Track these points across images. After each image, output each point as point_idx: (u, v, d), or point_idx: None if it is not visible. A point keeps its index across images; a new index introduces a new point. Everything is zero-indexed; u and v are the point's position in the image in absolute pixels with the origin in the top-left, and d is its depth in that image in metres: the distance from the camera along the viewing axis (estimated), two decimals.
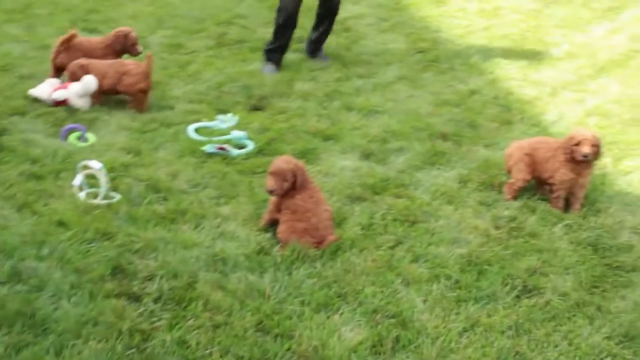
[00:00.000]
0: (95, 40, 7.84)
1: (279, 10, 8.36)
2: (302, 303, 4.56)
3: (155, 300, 4.53)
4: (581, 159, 5.57)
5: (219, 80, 7.95)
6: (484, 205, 5.73)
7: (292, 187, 5.13)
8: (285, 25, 8.34)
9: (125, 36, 7.72)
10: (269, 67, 8.33)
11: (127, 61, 7.37)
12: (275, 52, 8.42)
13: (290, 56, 8.68)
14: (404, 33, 9.57)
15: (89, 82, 7.12)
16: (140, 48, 7.79)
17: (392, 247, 5.15)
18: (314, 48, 8.71)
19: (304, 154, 6.37)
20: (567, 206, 5.72)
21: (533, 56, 8.94)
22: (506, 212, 5.62)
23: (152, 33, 9.33)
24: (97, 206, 5.46)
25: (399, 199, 5.73)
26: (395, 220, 5.45)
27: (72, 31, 7.69)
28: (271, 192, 5.14)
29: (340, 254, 5.03)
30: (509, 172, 5.91)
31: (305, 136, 6.71)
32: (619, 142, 6.76)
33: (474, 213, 5.62)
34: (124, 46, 7.71)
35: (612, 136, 6.91)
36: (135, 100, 7.15)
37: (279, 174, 5.10)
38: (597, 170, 6.14)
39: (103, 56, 7.53)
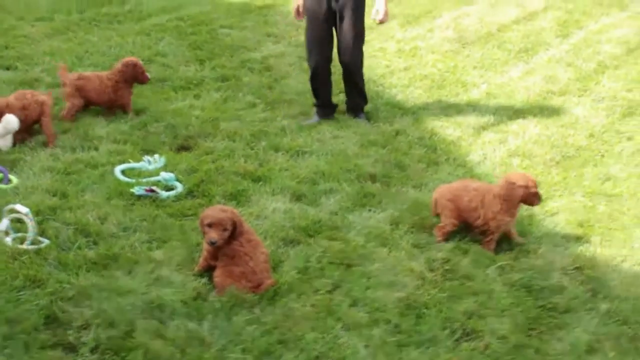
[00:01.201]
0: (103, 74, 8.00)
1: (309, 67, 8.32)
2: (244, 351, 4.53)
3: (93, 350, 4.44)
4: (534, 201, 5.78)
5: (143, 119, 7.86)
6: (417, 248, 5.80)
7: (231, 235, 5.10)
8: (313, 82, 8.29)
9: (135, 65, 7.86)
10: (314, 119, 8.26)
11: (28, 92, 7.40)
12: (319, 107, 8.34)
13: (214, 95, 8.66)
14: None
15: (10, 121, 6.95)
16: (148, 75, 8.06)
17: (330, 291, 5.15)
18: (347, 109, 8.51)
19: (235, 196, 6.35)
20: (497, 246, 5.85)
21: (454, 96, 9.12)
22: (439, 255, 5.69)
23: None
24: (25, 251, 5.31)
25: (333, 242, 5.74)
26: (331, 263, 5.46)
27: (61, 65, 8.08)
28: (213, 243, 5.09)
29: (279, 298, 5.01)
30: (438, 215, 6.01)
31: (234, 177, 6.69)
32: (543, 183, 6.93)
33: (408, 255, 5.67)
34: (134, 75, 7.88)
35: (535, 177, 7.06)
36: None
37: (218, 224, 5.06)
38: (524, 211, 6.30)
39: (115, 88, 7.87)
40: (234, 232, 5.10)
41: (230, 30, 11.30)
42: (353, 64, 8.14)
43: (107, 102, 7.93)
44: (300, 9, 8.11)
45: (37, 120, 7.25)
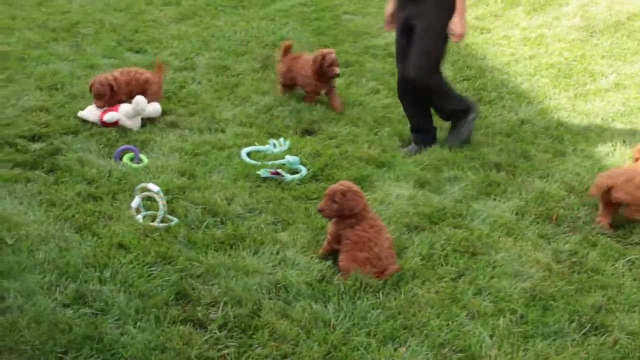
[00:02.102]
0: (306, 57, 8.16)
1: None
2: (368, 334, 4.54)
3: (221, 328, 4.52)
4: None
5: (268, 103, 7.97)
6: (543, 239, 5.69)
7: (347, 214, 5.13)
8: (399, 99, 7.46)
9: (324, 57, 7.86)
10: (410, 148, 7.25)
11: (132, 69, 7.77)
12: (412, 132, 7.37)
13: (338, 80, 8.68)
14: (450, 60, 9.54)
15: (139, 102, 7.16)
16: (336, 69, 7.89)
17: (454, 279, 5.12)
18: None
19: (359, 181, 6.34)
20: (627, 238, 5.71)
21: (581, 86, 8.90)
22: (566, 246, 5.58)
23: (198, 54, 9.38)
24: (156, 229, 5.46)
25: (457, 230, 5.70)
26: (455, 251, 5.42)
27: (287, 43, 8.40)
28: (320, 211, 5.17)
29: (403, 284, 5.00)
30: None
31: (358, 162, 6.71)
32: None
33: (534, 246, 5.58)
34: (321, 66, 7.87)
35: None
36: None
37: (329, 195, 5.13)
38: None
39: (308, 73, 7.96)
40: (353, 212, 5.12)
41: (354, 16, 11.32)
42: (417, 81, 7.01)
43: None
44: (389, 19, 7.35)
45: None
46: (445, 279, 5.09)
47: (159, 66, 7.85)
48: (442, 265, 5.26)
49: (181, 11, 11.19)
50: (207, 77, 8.61)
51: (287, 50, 8.25)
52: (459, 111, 7.26)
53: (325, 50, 7.96)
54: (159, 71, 7.80)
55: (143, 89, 7.57)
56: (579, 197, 6.32)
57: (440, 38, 6.96)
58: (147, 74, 7.64)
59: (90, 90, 7.35)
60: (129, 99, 7.34)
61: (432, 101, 7.26)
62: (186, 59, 9.18)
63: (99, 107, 7.24)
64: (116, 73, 7.52)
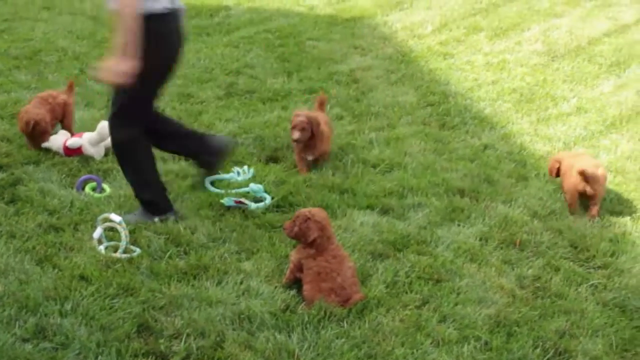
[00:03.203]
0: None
1: None
2: None
3: None
4: None
5: (232, 130, 7.95)
6: (507, 264, 5.72)
7: (301, 240, 5.17)
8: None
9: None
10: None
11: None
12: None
13: (302, 107, 8.69)
14: (413, 86, 9.61)
15: (104, 127, 7.10)
16: (295, 134, 7.01)
17: (418, 307, 5.11)
18: None
19: (323, 209, 6.33)
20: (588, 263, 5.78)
21: (543, 110, 8.98)
22: (530, 272, 5.61)
23: None
24: (118, 260, 5.41)
25: (421, 256, 5.70)
26: (419, 278, 5.43)
27: None
28: (284, 228, 5.33)
29: (367, 313, 4.99)
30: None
31: (322, 190, 6.70)
32: (636, 200, 6.77)
33: (498, 272, 5.60)
34: None
35: (629, 194, 6.93)
36: None
37: (295, 216, 5.28)
38: (617, 229, 6.17)
39: None
40: (306, 241, 5.14)
41: (318, 42, 11.35)
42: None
43: None
44: None
45: (61, 120, 7.58)
46: (410, 307, 5.09)
47: (69, 85, 7.78)
48: (406, 292, 5.26)
49: None
50: (170, 105, 8.57)
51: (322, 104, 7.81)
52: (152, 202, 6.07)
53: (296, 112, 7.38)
54: (69, 91, 7.72)
55: (64, 112, 7.55)
56: (542, 222, 6.36)
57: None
58: (62, 96, 7.59)
59: (30, 129, 7.13)
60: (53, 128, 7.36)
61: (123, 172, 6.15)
62: None
63: (39, 146, 7.18)
64: (39, 106, 7.36)
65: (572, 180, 6.47)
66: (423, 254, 5.76)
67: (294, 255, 5.26)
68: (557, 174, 6.86)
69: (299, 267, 5.21)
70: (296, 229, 5.17)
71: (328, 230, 5.21)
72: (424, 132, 8.21)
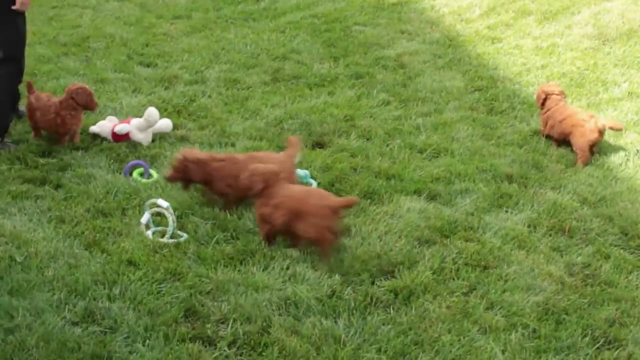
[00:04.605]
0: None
1: None
2: (379, 350, 4.53)
3: (230, 345, 4.53)
4: None
5: (278, 116, 7.95)
6: (556, 251, 5.66)
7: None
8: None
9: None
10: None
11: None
12: None
13: (348, 92, 8.68)
14: (461, 70, 9.52)
15: (152, 114, 7.16)
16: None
17: (465, 294, 5.09)
18: None
19: (369, 194, 6.35)
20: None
21: (593, 95, 8.83)
22: (579, 259, 5.55)
23: (208, 67, 9.37)
24: (165, 245, 5.46)
25: (469, 243, 5.68)
26: (467, 264, 5.40)
27: None
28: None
29: (414, 299, 4.98)
30: None
31: (369, 175, 6.69)
32: None
33: (546, 259, 5.55)
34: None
35: None
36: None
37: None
38: None
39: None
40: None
41: (364, 27, 11.28)
42: None
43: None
44: None
45: None
46: (457, 294, 5.08)
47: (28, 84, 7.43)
48: (453, 279, 5.25)
49: (191, 24, 11.19)
50: (217, 91, 8.61)
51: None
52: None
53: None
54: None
55: None
56: (592, 209, 6.28)
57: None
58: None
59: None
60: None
61: None
62: (196, 72, 9.17)
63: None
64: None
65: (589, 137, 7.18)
66: (470, 240, 5.73)
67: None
68: (542, 105, 7.69)
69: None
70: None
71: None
72: (472, 117, 8.14)
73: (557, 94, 7.68)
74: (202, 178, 6.01)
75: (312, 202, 5.42)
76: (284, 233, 5.53)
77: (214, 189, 6.05)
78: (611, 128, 7.31)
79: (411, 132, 7.69)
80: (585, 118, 7.30)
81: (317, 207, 5.38)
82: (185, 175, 6.02)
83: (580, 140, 7.20)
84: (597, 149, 7.30)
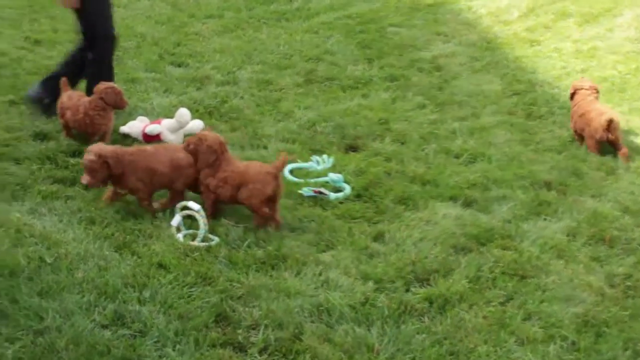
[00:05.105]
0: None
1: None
2: None
3: (261, 352, 4.54)
4: None
5: (311, 118, 7.97)
6: (596, 261, 5.62)
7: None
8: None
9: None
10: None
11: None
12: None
13: (382, 95, 8.67)
14: (499, 74, 9.49)
15: (183, 114, 7.20)
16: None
17: (502, 303, 5.07)
18: None
19: (404, 200, 6.35)
20: None
21: (635, 101, 8.76)
22: (620, 269, 5.51)
23: (240, 68, 9.40)
24: (196, 248, 5.48)
25: (506, 251, 5.65)
26: (503, 273, 5.38)
27: None
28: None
29: (449, 308, 4.97)
30: None
31: (403, 181, 6.69)
32: None
33: (586, 269, 5.51)
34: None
35: None
36: None
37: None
38: None
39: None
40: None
41: (399, 28, 11.27)
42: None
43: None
44: None
45: None
46: (493, 303, 5.05)
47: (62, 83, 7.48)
48: (490, 288, 5.22)
49: (223, 24, 11.23)
50: (249, 92, 8.64)
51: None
52: None
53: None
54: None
55: None
56: (633, 218, 6.23)
57: None
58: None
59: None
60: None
61: None
62: (228, 73, 9.21)
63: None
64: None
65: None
66: (507, 248, 5.70)
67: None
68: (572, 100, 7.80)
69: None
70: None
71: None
72: (510, 122, 8.12)
73: (586, 89, 7.72)
74: (119, 174, 5.94)
75: (252, 171, 5.85)
76: (228, 202, 5.97)
77: (125, 185, 6.01)
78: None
79: (447, 136, 7.68)
80: (595, 116, 7.33)
81: (257, 174, 5.80)
82: (105, 175, 5.92)
83: (589, 142, 7.39)
84: (621, 145, 7.30)
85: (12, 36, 10.13)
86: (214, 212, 5.91)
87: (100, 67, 7.73)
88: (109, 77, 7.68)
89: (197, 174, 6.00)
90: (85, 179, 5.92)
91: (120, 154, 5.96)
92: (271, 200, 5.83)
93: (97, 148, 5.94)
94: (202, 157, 5.88)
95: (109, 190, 6.10)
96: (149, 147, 6.26)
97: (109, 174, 5.91)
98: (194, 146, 5.90)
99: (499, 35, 10.99)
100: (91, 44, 7.66)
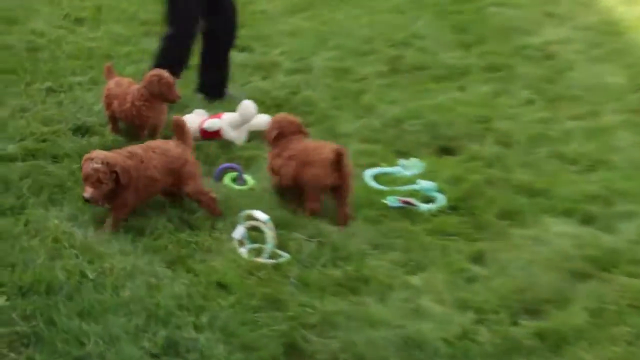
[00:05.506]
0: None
1: None
2: None
3: None
4: None
5: (397, 115, 7.94)
6: None
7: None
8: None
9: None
10: None
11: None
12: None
13: (482, 88, 8.59)
14: (623, 64, 9.35)
15: (248, 107, 7.22)
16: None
17: (630, 343, 4.96)
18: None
19: (509, 214, 6.26)
20: None
21: None
22: None
23: (314, 54, 9.42)
24: (263, 266, 5.47)
25: (634, 279, 5.53)
26: (631, 306, 5.26)
27: None
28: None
29: (565, 346, 4.87)
30: None
31: (507, 191, 6.61)
32: None
33: None
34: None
35: None
36: None
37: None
38: None
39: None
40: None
41: (502, 8, 11.20)
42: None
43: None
44: None
45: None
46: (619, 342, 4.94)
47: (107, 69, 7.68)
48: (615, 324, 5.11)
49: (294, 2, 11.29)
50: (324, 82, 8.65)
51: None
52: None
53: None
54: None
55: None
56: None
57: None
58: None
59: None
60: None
61: None
62: (300, 60, 9.24)
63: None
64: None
65: None
66: (636, 276, 5.58)
67: None
68: None
69: None
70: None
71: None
72: (636, 122, 7.99)
73: None
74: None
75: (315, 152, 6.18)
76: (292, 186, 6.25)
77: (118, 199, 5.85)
78: None
79: (560, 138, 7.61)
80: None
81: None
82: (111, 189, 5.71)
83: None
84: None
85: (50, 14, 10.33)
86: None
87: (173, 46, 8.01)
88: (180, 61, 8.02)
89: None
90: (88, 191, 5.68)
91: (124, 160, 5.80)
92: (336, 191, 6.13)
93: (103, 154, 5.75)
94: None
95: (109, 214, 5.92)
96: (137, 149, 6.05)
97: (115, 187, 5.74)
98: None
99: (623, 17, 10.85)
100: (171, 20, 8.00)
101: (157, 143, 6.20)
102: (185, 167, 6.07)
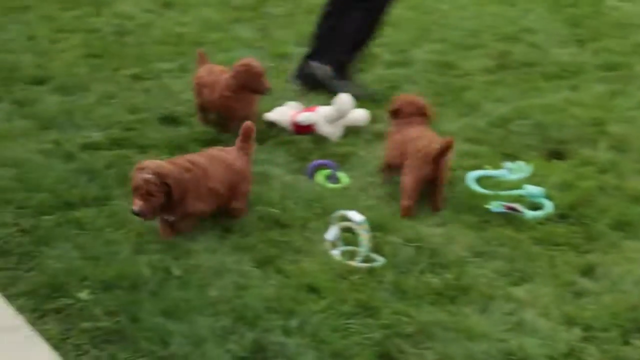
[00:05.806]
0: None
1: None
2: None
3: None
4: None
5: (504, 114, 7.92)
6: None
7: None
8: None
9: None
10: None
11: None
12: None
13: (597, 88, 8.52)
14: None
15: (344, 101, 7.27)
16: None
17: None
18: None
19: (622, 225, 6.19)
20: None
21: None
22: None
23: (416, 46, 9.44)
24: (356, 270, 5.52)
25: None
26: None
27: None
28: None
29: None
30: None
31: (621, 200, 6.54)
32: None
33: None
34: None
35: None
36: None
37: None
38: None
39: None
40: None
41: (621, 2, 11.06)
42: None
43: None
44: None
45: None
46: None
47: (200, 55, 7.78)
48: None
49: None
50: (425, 77, 8.67)
51: None
52: None
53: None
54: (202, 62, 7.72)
55: None
56: None
57: None
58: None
59: None
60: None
61: None
62: (400, 52, 9.27)
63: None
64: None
65: None
66: None
67: None
68: None
69: None
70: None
71: None
72: None
73: None
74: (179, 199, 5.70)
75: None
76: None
77: (183, 210, 5.81)
78: None
79: None
80: None
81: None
82: (162, 201, 5.62)
83: None
84: None
85: None
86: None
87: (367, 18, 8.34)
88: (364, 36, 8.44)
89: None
90: (137, 204, 5.58)
91: (180, 172, 5.73)
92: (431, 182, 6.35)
93: (155, 164, 5.66)
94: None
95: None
96: (200, 159, 6.01)
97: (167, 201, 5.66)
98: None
99: None
100: None
101: (220, 153, 6.17)
102: (242, 184, 6.10)
